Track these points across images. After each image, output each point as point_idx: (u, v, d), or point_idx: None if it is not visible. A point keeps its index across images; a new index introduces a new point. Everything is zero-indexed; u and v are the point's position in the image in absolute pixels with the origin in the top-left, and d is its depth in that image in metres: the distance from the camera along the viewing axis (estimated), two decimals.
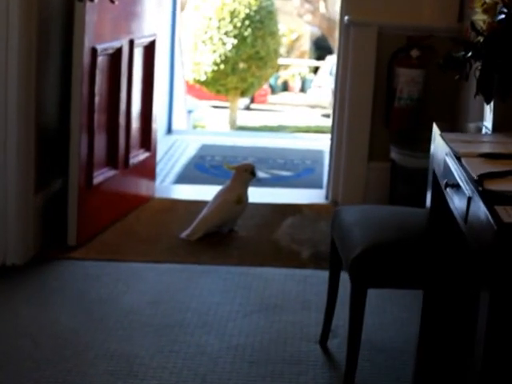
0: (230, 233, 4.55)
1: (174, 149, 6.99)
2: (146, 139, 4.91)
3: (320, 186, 5.78)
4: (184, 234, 4.45)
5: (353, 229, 2.89)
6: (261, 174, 6.14)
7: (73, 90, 4.04)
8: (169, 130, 7.70)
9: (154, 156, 5.08)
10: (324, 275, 3.88)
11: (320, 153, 6.96)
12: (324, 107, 16.58)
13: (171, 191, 5.46)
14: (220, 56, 14.13)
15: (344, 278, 2.99)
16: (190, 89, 14.98)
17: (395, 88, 4.87)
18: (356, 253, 2.73)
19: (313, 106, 16.93)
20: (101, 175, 4.41)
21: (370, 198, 5.01)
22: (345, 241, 2.89)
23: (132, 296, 3.69)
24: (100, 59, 4.18)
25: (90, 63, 4.09)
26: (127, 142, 4.63)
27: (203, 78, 14.34)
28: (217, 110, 17.09)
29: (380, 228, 2.85)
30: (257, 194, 5.20)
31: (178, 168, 6.30)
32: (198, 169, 6.29)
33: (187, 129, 8.61)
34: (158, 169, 6.12)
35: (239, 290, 3.78)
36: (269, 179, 6.01)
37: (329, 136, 6.99)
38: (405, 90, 4.83)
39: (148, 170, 5.02)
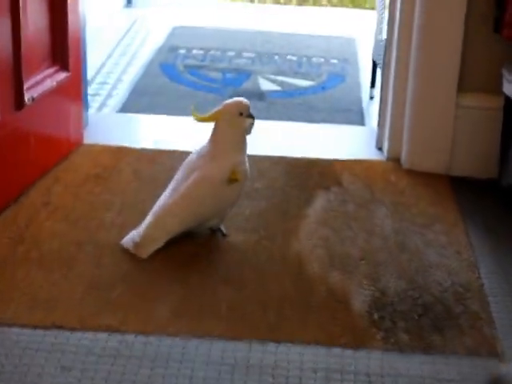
0: (212, 234, 2.52)
1: (131, 35, 4.80)
2: (60, 46, 2.76)
3: (358, 112, 3.69)
4: (127, 242, 2.43)
5: None
6: (265, 85, 4.01)
7: None
8: (128, 1, 5.47)
9: (78, 75, 2.95)
10: (414, 371, 1.94)
11: (350, 43, 4.80)
12: None
13: (115, 128, 3.32)
14: None
15: None
16: None
17: None
18: None
19: None
20: None
21: (462, 156, 2.94)
22: None
23: None
24: None
25: None
26: (17, 60, 2.49)
27: None
28: None
29: None
30: (259, 136, 3.13)
31: (132, 72, 4.15)
32: (165, 73, 4.15)
33: None
34: (101, 78, 4.02)
35: None
36: (277, 94, 3.89)
37: (365, 13, 4.94)
38: None
39: (68, 100, 2.91)
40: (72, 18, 2.77)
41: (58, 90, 2.76)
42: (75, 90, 2.93)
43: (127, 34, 4.79)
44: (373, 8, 6.07)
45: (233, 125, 2.47)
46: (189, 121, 3.37)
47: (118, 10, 5.25)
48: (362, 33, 4.96)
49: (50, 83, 2.69)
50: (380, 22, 3.61)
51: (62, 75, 2.77)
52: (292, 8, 5.76)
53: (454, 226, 2.61)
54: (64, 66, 2.78)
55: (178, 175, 2.49)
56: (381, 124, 3.12)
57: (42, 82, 2.66)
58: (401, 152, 3.01)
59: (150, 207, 2.60)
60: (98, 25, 4.65)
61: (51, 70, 2.73)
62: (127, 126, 3.31)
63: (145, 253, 2.38)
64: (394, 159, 3.03)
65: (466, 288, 2.29)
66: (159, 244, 2.40)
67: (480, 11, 2.81)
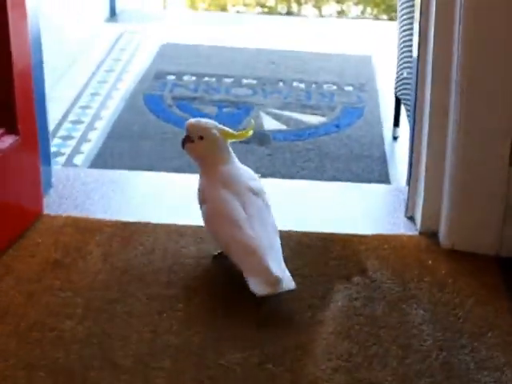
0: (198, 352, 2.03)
1: (114, 56, 4.28)
2: (4, 105, 2.25)
3: (380, 159, 3.19)
4: (263, 290, 2.12)
5: None
6: (268, 123, 3.49)
7: None
8: (112, 13, 4.95)
9: (31, 135, 2.42)
10: None
11: (366, 62, 4.29)
12: None
13: (85, 190, 2.77)
14: None
15: None
16: None
17: None
18: None
19: None
20: None
21: None
22: None
23: None
24: None
25: None
26: None
27: None
28: None
29: None
30: None
31: (112, 106, 3.64)
32: (149, 107, 3.62)
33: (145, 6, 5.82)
34: (75, 115, 3.52)
35: None
36: (283, 136, 3.37)
37: (380, 24, 4.57)
38: None
39: (20, 167, 2.39)
40: (20, 67, 2.25)
41: (6, 157, 2.25)
42: (29, 154, 2.41)
43: (109, 55, 4.27)
44: (389, 18, 5.58)
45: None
46: (177, 179, 2.88)
47: (100, 24, 4.73)
48: (378, 47, 4.46)
49: None
50: (403, 56, 3.08)
51: (9, 140, 2.25)
52: (297, 19, 5.25)
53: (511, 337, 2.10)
54: (11, 129, 2.26)
55: (241, 211, 2.22)
56: (412, 186, 2.60)
57: None
58: (438, 225, 2.49)
59: (121, 311, 2.12)
60: (74, 45, 4.15)
61: None
62: (100, 187, 2.78)
63: (292, 284, 2.14)
64: (430, 233, 2.51)
65: None
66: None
67: None
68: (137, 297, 2.19)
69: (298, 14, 6.57)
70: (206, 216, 2.28)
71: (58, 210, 2.60)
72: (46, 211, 2.57)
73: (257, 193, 2.25)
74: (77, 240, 2.42)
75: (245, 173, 2.31)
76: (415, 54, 2.55)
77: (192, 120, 2.32)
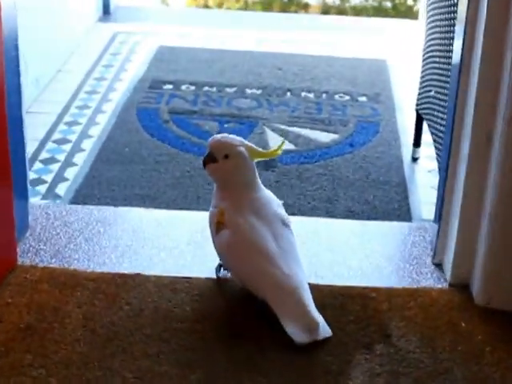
0: None
1: (106, 62, 3.93)
2: None
3: (400, 185, 2.87)
4: (302, 337, 1.92)
5: None
6: (274, 141, 3.15)
7: None
8: (105, 11, 4.60)
9: (5, 177, 2.11)
10: None
11: (381, 68, 3.96)
12: None
13: (67, 232, 2.42)
14: None
15: None
16: None
17: None
18: None
19: None
20: None
21: None
22: None
23: None
24: None
25: None
26: None
27: None
28: None
29: None
30: None
31: (102, 121, 3.31)
32: (143, 124, 3.29)
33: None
34: (61, 133, 3.22)
35: None
36: (291, 158, 3.03)
37: (397, 25, 4.35)
38: None
39: None
40: None
41: None
42: (1, 196, 2.09)
43: (100, 60, 3.93)
44: (393, 5, 5.25)
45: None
46: (172, 217, 2.55)
47: (92, 24, 4.38)
48: (394, 49, 4.14)
49: None
50: (430, 69, 2.74)
51: None
52: (302, 16, 4.92)
53: None
54: None
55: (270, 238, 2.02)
56: (442, 227, 2.26)
57: None
58: (472, 276, 2.17)
59: None
60: (61, 50, 3.82)
61: None
62: (84, 228, 2.43)
63: (328, 330, 1.97)
64: (461, 286, 2.19)
65: None
66: None
67: None
68: (122, 375, 1.87)
69: (300, 2, 6.27)
70: (227, 243, 2.04)
71: (35, 257, 2.28)
72: (20, 260, 2.26)
73: (285, 222, 2.08)
74: (54, 299, 2.10)
75: (273, 199, 2.13)
76: (454, 81, 2.19)
77: (217, 136, 2.08)
